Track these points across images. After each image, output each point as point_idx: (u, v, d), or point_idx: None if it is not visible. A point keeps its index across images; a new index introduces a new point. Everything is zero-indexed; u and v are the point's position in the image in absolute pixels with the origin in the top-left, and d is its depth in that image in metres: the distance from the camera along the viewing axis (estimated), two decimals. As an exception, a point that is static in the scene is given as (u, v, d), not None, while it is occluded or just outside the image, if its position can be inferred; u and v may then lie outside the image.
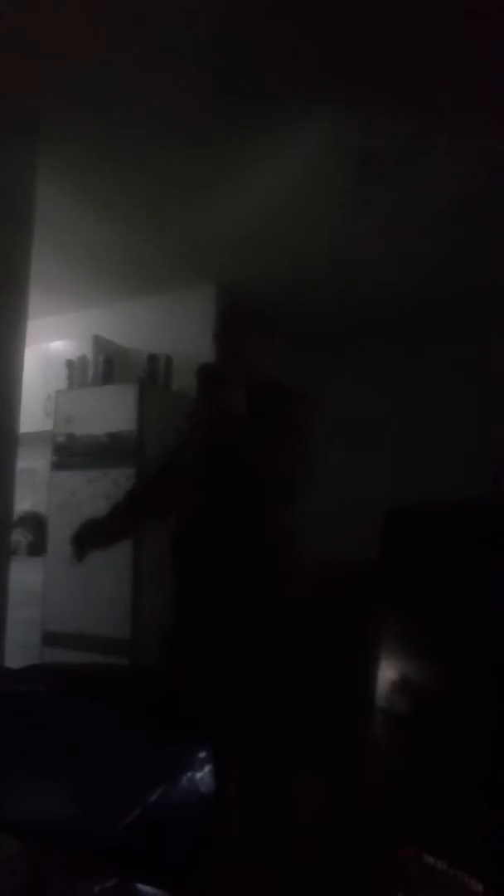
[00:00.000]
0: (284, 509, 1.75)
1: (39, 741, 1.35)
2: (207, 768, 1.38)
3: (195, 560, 1.76)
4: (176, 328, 4.17)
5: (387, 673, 1.93)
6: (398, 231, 3.43)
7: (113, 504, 2.15)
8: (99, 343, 4.14)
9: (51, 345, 4.34)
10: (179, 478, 1.91)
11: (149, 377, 3.85)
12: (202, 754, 1.40)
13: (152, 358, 3.95)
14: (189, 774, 1.35)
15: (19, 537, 3.99)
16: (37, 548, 3.98)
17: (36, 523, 4.10)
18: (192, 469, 1.85)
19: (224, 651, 1.68)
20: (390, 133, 2.64)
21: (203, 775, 1.36)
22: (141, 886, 0.99)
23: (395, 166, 2.84)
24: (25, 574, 3.41)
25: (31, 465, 3.82)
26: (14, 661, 2.57)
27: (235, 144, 2.78)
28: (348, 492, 3.59)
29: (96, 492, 3.51)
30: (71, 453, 3.65)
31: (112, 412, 3.57)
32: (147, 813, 1.21)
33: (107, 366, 3.92)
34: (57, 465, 3.70)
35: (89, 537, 2.03)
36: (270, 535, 1.72)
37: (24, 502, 3.92)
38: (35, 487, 3.96)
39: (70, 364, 4.12)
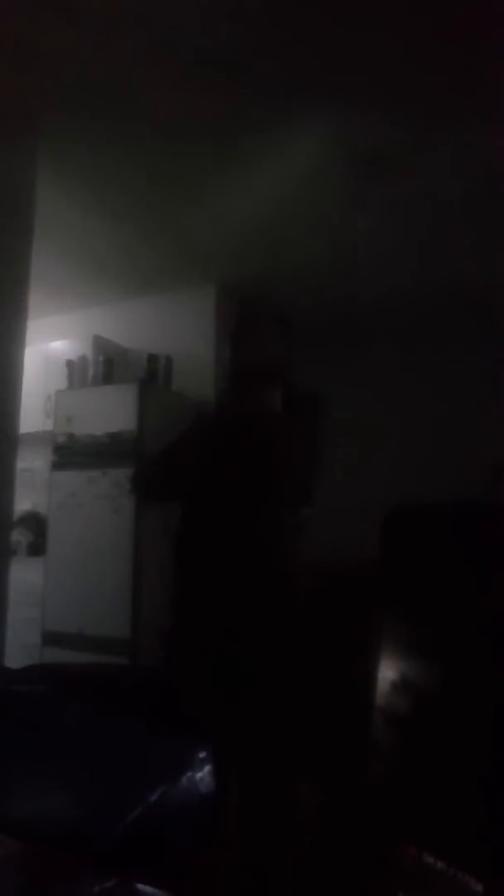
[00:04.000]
0: (296, 510, 1.76)
1: (39, 741, 1.35)
2: (207, 768, 1.38)
3: (199, 558, 1.76)
4: (176, 328, 4.17)
5: (387, 673, 1.93)
6: (399, 231, 3.43)
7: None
8: (99, 343, 4.14)
9: (51, 345, 4.34)
10: (186, 471, 1.86)
11: (149, 377, 3.85)
12: (202, 754, 1.40)
13: (152, 358, 3.95)
14: (189, 774, 1.35)
15: (19, 537, 3.99)
16: (37, 548, 3.98)
17: (36, 523, 4.10)
18: (205, 464, 1.83)
19: (225, 651, 1.67)
20: (391, 133, 2.64)
21: (203, 775, 1.36)
22: (141, 886, 0.99)
23: (395, 166, 2.84)
24: (25, 574, 3.41)
25: (31, 465, 3.82)
26: (14, 661, 2.57)
27: (236, 144, 2.78)
28: (349, 492, 3.59)
29: (96, 492, 3.51)
30: (71, 453, 3.65)
31: (112, 412, 3.57)
32: (147, 813, 1.22)
33: (107, 366, 3.92)
34: (57, 465, 3.70)
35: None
36: (276, 536, 1.72)
37: (24, 502, 3.92)
38: (35, 487, 3.96)
39: (70, 364, 4.12)
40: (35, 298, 2.81)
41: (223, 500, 1.74)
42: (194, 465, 1.81)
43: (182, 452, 1.86)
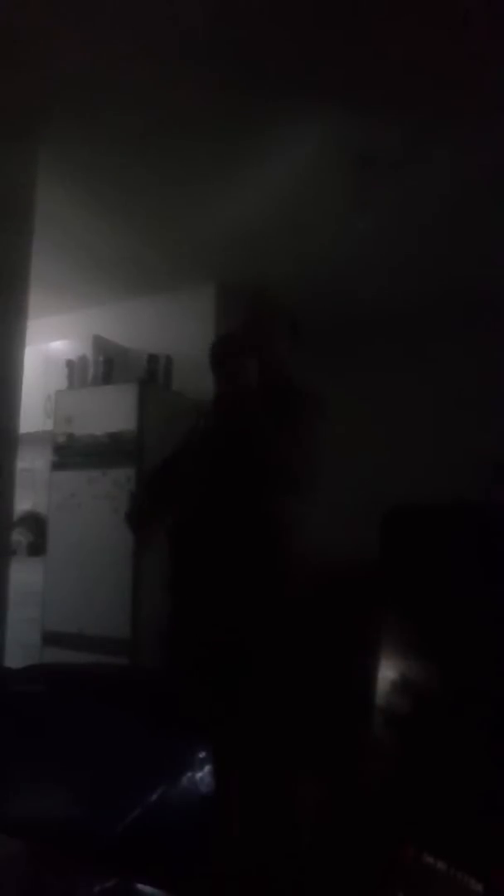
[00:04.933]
0: (287, 505, 1.76)
1: (39, 741, 1.35)
2: (207, 768, 1.38)
3: (194, 555, 1.76)
4: (176, 328, 4.17)
5: (387, 673, 1.93)
6: (398, 231, 3.43)
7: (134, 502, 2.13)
8: (99, 343, 4.14)
9: (51, 345, 4.35)
10: (183, 469, 1.89)
11: (149, 377, 3.85)
12: (202, 754, 1.40)
13: (152, 358, 3.95)
14: (189, 774, 1.35)
15: (19, 537, 3.99)
16: (37, 548, 3.98)
17: (36, 523, 4.10)
18: (198, 458, 1.85)
19: (224, 650, 1.67)
20: (390, 133, 2.65)
21: (203, 775, 1.36)
22: (141, 886, 0.99)
23: (395, 166, 2.84)
24: (25, 574, 3.41)
25: (31, 465, 3.82)
26: (14, 661, 2.57)
27: (235, 144, 2.78)
28: (348, 492, 3.59)
29: (96, 492, 3.51)
30: (71, 453, 3.65)
31: (112, 412, 3.57)
32: (147, 813, 1.21)
33: (107, 366, 3.92)
34: (57, 465, 3.70)
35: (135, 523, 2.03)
36: (272, 532, 1.72)
37: (24, 502, 3.92)
38: (35, 487, 3.96)
39: (70, 364, 4.12)
40: (35, 298, 2.81)
41: (212, 499, 1.75)
42: (182, 483, 1.84)
43: (168, 475, 1.91)
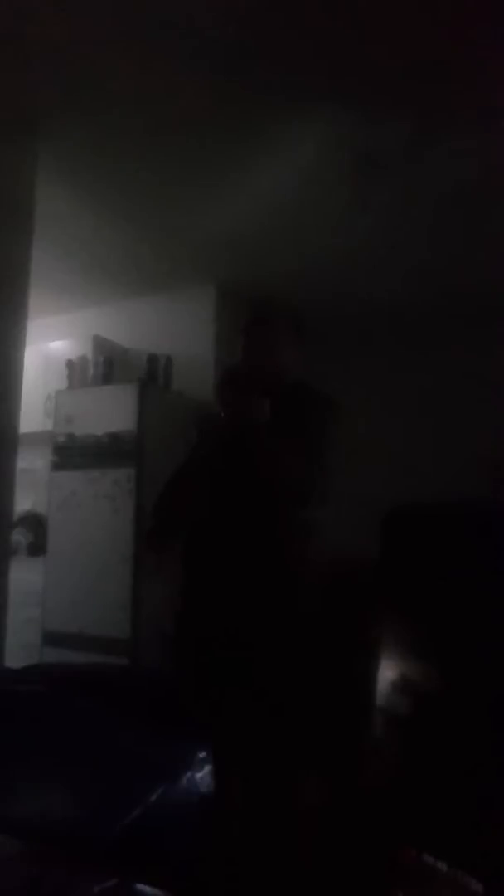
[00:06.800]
0: (297, 514, 1.74)
1: (39, 741, 1.35)
2: (207, 768, 1.38)
3: (204, 562, 1.76)
4: (176, 328, 4.17)
5: (387, 673, 1.93)
6: (399, 231, 3.43)
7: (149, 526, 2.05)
8: (99, 343, 4.14)
9: (51, 345, 4.35)
10: (193, 483, 1.86)
11: (149, 377, 3.85)
12: (202, 754, 1.40)
13: (152, 358, 3.95)
14: (189, 774, 1.35)
15: (19, 537, 3.99)
16: (37, 548, 3.98)
17: (36, 523, 4.10)
18: (207, 473, 1.83)
19: (226, 651, 1.67)
20: (391, 133, 2.64)
21: (203, 775, 1.36)
22: (141, 886, 0.99)
23: (395, 166, 2.84)
24: (25, 574, 3.41)
25: (31, 465, 3.82)
26: (14, 661, 2.57)
27: (236, 144, 2.78)
28: (348, 492, 3.59)
29: (96, 492, 3.52)
30: (71, 453, 3.65)
31: (112, 412, 3.57)
32: (147, 813, 1.22)
33: (107, 366, 3.92)
34: (57, 465, 3.70)
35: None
36: (279, 539, 1.72)
37: (24, 502, 3.92)
38: (35, 487, 3.96)
39: (70, 364, 4.13)
40: (35, 298, 2.81)
41: (224, 510, 1.74)
42: (192, 499, 1.82)
43: (178, 492, 1.88)
